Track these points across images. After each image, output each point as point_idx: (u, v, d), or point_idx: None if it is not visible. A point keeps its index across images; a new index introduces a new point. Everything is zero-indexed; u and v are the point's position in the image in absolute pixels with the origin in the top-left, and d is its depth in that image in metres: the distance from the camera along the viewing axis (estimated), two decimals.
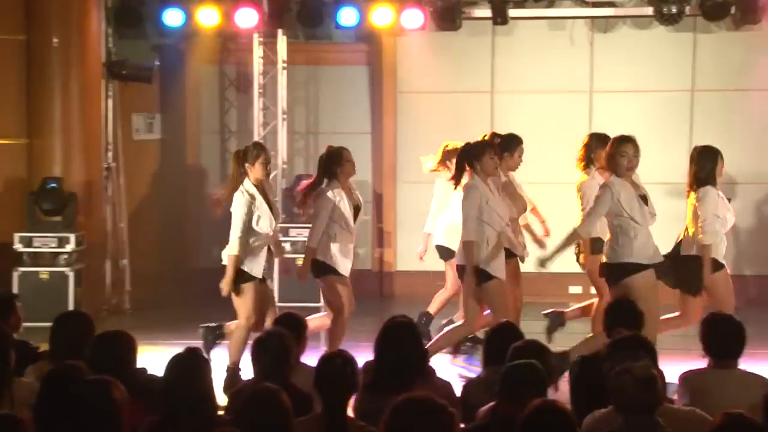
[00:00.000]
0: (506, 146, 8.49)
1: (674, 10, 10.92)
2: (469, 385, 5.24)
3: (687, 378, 5.30)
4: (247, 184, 7.83)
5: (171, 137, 12.45)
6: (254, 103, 12.08)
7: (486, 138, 8.43)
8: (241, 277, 7.78)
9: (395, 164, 12.26)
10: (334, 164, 8.11)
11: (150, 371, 5.11)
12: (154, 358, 5.97)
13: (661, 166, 11.49)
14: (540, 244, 8.76)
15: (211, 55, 12.42)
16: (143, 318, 10.71)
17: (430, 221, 9.37)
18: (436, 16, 11.34)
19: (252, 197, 7.80)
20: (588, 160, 8.41)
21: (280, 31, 11.89)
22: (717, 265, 7.64)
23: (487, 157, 7.82)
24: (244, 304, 7.79)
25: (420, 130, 11.89)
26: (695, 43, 11.75)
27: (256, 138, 12.23)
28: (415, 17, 11.32)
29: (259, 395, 4.12)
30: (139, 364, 5.13)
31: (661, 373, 4.56)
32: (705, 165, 7.70)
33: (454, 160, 8.22)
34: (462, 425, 4.48)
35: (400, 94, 12.22)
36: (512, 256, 8.11)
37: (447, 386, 5.11)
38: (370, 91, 12.41)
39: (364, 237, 11.16)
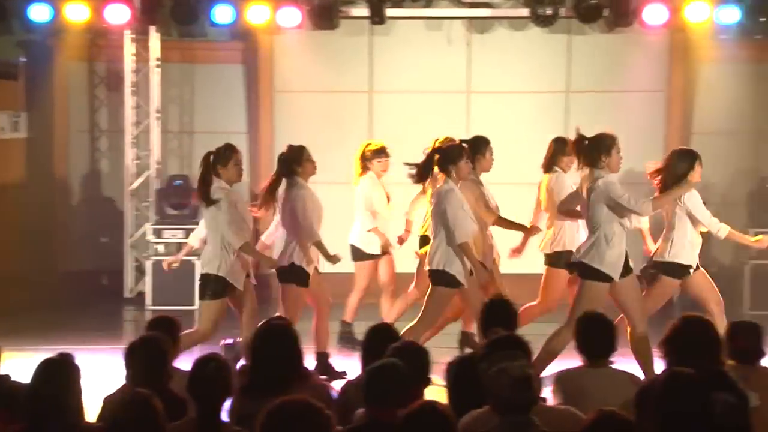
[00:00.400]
0: (477, 148, 8.40)
1: (549, 11, 11.15)
2: (347, 387, 5.23)
3: (560, 377, 5.40)
4: (224, 186, 7.75)
5: (38, 136, 12.13)
6: (125, 102, 11.90)
7: (458, 142, 8.27)
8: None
9: (272, 164, 12.15)
10: (294, 163, 8.08)
11: (14, 378, 4.95)
12: (18, 364, 5.80)
13: (537, 167, 11.71)
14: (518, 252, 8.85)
15: (80, 52, 12.15)
16: (7, 322, 10.40)
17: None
18: (313, 14, 11.32)
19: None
20: (551, 163, 8.64)
21: (152, 28, 11.74)
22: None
23: (463, 161, 7.81)
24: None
25: (297, 130, 11.80)
26: (570, 45, 11.99)
27: (128, 137, 12.06)
28: (291, 16, 11.28)
29: (130, 401, 4.04)
30: (2, 371, 4.98)
31: (537, 372, 4.62)
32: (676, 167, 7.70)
33: None
34: (339, 428, 4.48)
35: (277, 93, 12.14)
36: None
37: (324, 388, 5.09)
38: (246, 90, 12.31)
39: None
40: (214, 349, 6.83)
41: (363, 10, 11.41)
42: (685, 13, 11.11)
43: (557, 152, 8.58)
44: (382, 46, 12.05)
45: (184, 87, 12.42)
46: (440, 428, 3.78)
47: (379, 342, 5.12)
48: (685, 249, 7.66)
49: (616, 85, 11.88)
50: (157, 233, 11.65)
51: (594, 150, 7.48)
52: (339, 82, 12.02)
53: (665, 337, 5.07)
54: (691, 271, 7.71)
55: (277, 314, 6.95)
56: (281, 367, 4.90)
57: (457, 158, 7.78)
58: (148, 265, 11.52)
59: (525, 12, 11.35)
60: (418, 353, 4.85)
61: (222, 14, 11.31)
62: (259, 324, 5.41)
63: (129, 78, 11.84)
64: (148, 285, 11.54)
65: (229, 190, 7.81)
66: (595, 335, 5.40)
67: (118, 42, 11.80)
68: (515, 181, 11.84)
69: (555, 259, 8.42)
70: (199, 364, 4.55)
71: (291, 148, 8.24)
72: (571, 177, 8.34)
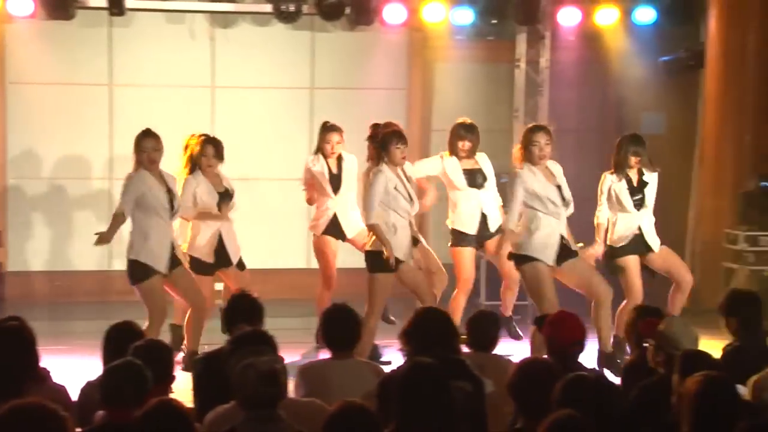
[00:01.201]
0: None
1: (292, 8, 11.15)
2: (86, 387, 5.09)
3: (304, 370, 5.46)
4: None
5: None
6: None
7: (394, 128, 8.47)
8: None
9: (5, 160, 11.64)
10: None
11: None
12: None
13: (282, 162, 11.82)
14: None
15: None
16: None
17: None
18: (47, 4, 10.86)
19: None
20: (452, 147, 9.01)
21: None
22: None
23: (393, 146, 7.96)
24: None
25: (33, 124, 11.40)
26: (314, 42, 12.09)
27: None
28: (23, 4, 10.76)
29: None
30: None
31: (284, 367, 4.65)
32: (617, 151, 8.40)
33: None
34: (79, 429, 4.36)
35: (10, 85, 11.59)
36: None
37: (61, 390, 4.93)
38: None
39: None
40: None
41: (101, 1, 11.04)
42: (422, 14, 11.44)
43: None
44: (122, 38, 11.74)
45: None
46: (176, 425, 3.74)
47: (120, 340, 5.02)
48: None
49: (360, 83, 12.07)
50: None
51: None
52: (77, 74, 11.62)
53: (404, 328, 5.23)
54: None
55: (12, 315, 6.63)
56: (10, 371, 4.71)
57: (387, 143, 8.05)
58: None
59: (268, 8, 11.28)
60: (160, 351, 4.78)
61: None
62: None
63: None
64: None
65: None
66: (337, 328, 5.49)
67: None
68: (261, 177, 11.90)
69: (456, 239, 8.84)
70: None
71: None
72: None
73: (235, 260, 8.54)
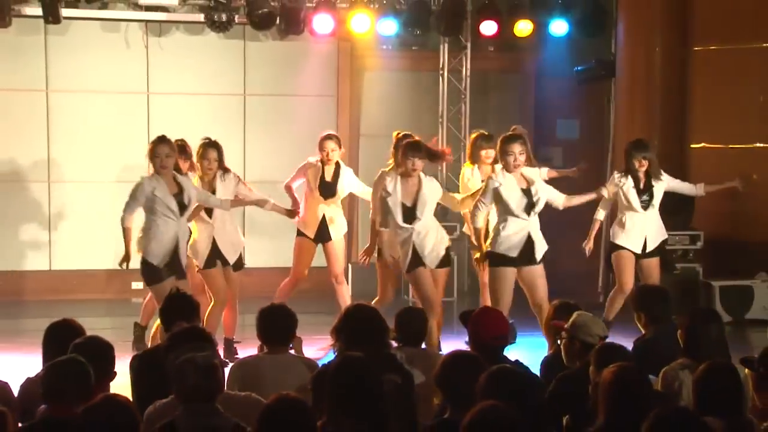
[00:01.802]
0: None
1: (224, 18, 11.12)
2: (27, 384, 5.01)
3: (238, 365, 5.44)
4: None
5: None
6: None
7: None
8: None
9: None
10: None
11: None
12: None
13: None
14: None
15: None
16: None
17: None
18: None
19: None
20: (474, 157, 9.08)
21: None
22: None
23: (405, 157, 8.10)
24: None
25: None
26: (245, 51, 12.04)
27: None
28: None
29: None
30: None
31: (222, 362, 4.64)
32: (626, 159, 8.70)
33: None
34: (20, 425, 4.30)
35: None
36: None
37: (3, 387, 4.85)
38: None
39: None
40: None
41: (37, 9, 10.87)
42: (349, 24, 11.48)
43: None
44: (59, 45, 11.57)
45: None
46: (122, 419, 3.71)
47: (60, 338, 4.95)
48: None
49: (290, 90, 12.07)
50: None
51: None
52: (14, 80, 11.42)
53: (335, 325, 5.24)
54: None
55: None
56: None
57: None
58: None
59: (200, 17, 11.26)
60: (101, 348, 4.73)
61: None
62: None
63: None
64: None
65: None
66: (272, 324, 5.47)
67: None
68: None
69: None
70: None
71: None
72: None
73: (231, 260, 8.41)
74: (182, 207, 7.76)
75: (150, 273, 7.70)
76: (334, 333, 5.22)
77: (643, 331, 6.07)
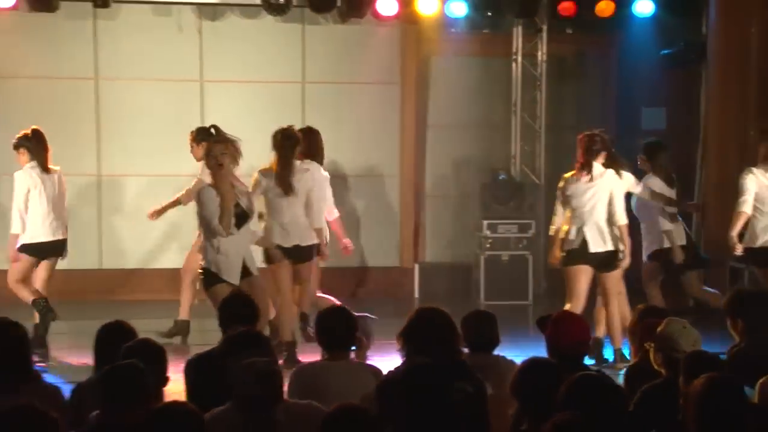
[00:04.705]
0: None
1: (282, 0, 11.17)
2: (79, 388, 5.10)
3: (298, 372, 5.47)
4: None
5: None
6: None
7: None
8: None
9: None
10: None
11: None
12: None
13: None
14: None
15: None
16: None
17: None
18: None
19: None
20: None
21: None
22: None
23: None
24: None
25: (18, 118, 11.33)
26: (304, 35, 12.09)
27: None
28: None
29: None
30: None
31: (280, 369, 4.68)
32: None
33: None
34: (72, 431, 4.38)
35: None
36: None
37: (54, 391, 4.94)
38: None
39: None
40: None
41: None
42: (416, 5, 11.47)
43: None
44: (108, 31, 11.73)
45: None
46: (190, 426, 3.75)
47: (112, 340, 5.03)
48: None
49: (352, 77, 12.08)
50: None
51: None
52: (62, 68, 11.62)
53: (403, 329, 5.25)
54: None
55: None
56: (7, 370, 4.73)
57: None
58: None
59: (257, 0, 11.34)
60: (154, 352, 4.80)
61: None
62: None
63: None
64: None
65: None
66: (333, 329, 5.50)
67: None
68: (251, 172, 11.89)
69: None
70: None
71: None
72: None
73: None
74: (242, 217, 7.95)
75: (209, 279, 7.82)
76: (400, 337, 5.23)
77: (738, 339, 5.99)
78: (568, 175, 8.49)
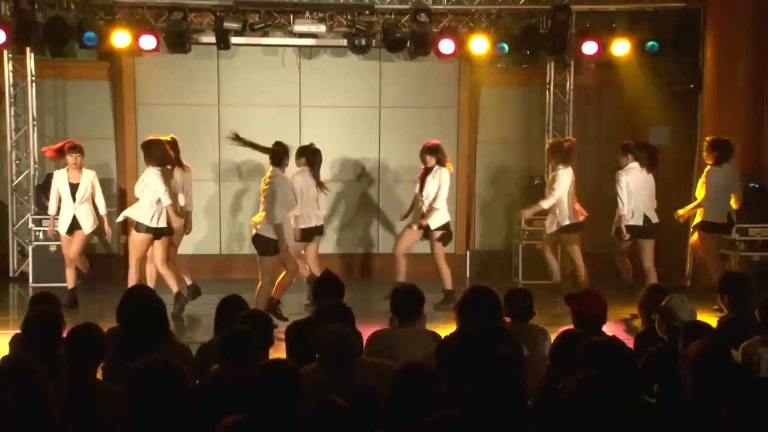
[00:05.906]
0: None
1: (363, 42, 11.28)
2: (204, 348, 5.15)
3: (375, 336, 5.46)
4: None
5: None
6: (6, 111, 11.42)
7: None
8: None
9: (137, 165, 11.80)
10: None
11: None
12: None
13: (355, 167, 11.91)
14: None
15: None
16: None
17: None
18: (167, 40, 11.08)
19: None
20: None
21: (28, 49, 11.29)
22: None
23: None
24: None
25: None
26: (381, 69, 12.11)
27: (9, 141, 11.57)
28: (149, 41, 11.03)
29: (12, 366, 3.87)
30: None
31: (357, 333, 4.67)
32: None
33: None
34: (197, 381, 4.42)
35: (139, 106, 11.79)
36: None
37: (186, 350, 4.99)
38: (112, 103, 11.90)
39: (113, 226, 10.65)
40: None
41: (211, 38, 11.25)
42: (470, 46, 11.42)
43: None
44: (228, 67, 11.87)
45: (58, 99, 11.90)
46: (290, 380, 3.75)
47: (229, 310, 5.08)
48: None
49: (419, 102, 12.06)
50: (37, 222, 11.23)
51: None
52: (192, 97, 11.77)
53: (457, 303, 5.22)
54: None
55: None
56: (149, 333, 4.80)
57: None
58: (30, 249, 11.16)
59: (344, 42, 11.45)
60: (261, 319, 4.83)
61: (89, 39, 10.97)
62: (127, 294, 5.27)
63: (8, 91, 11.38)
64: (30, 266, 11.16)
65: None
66: (404, 301, 5.48)
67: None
68: (338, 180, 11.98)
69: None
70: (74, 331, 4.37)
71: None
72: None
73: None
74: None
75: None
76: (455, 309, 5.21)
77: (726, 311, 5.87)
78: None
